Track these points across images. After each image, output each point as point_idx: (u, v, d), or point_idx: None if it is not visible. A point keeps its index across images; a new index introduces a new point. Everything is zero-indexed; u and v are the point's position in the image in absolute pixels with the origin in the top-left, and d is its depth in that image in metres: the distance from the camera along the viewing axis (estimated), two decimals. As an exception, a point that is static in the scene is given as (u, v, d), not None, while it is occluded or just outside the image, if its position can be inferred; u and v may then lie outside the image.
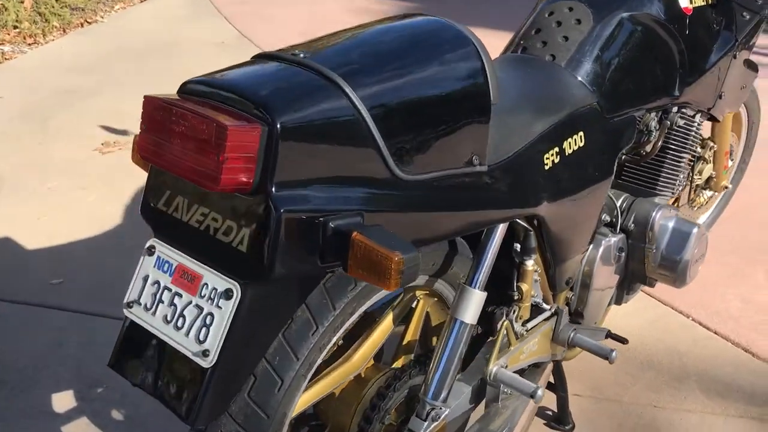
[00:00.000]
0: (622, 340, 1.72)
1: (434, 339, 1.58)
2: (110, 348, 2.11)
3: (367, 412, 1.33)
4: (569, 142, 1.46)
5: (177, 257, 1.06)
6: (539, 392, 1.36)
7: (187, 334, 1.02)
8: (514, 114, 1.32)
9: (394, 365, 1.49)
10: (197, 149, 0.94)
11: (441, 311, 1.54)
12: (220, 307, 1.00)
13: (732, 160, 2.50)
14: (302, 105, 0.98)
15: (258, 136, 0.94)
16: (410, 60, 1.13)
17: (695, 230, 1.81)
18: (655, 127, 1.73)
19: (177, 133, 0.96)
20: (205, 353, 1.00)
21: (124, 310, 1.10)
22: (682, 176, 1.96)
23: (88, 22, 5.49)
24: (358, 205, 1.03)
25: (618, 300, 1.94)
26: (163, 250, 1.08)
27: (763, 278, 2.63)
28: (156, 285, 1.07)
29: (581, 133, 1.49)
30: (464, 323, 1.33)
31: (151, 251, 1.09)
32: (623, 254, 1.79)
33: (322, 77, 1.03)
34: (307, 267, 1.00)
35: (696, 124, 1.89)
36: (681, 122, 1.81)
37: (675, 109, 1.77)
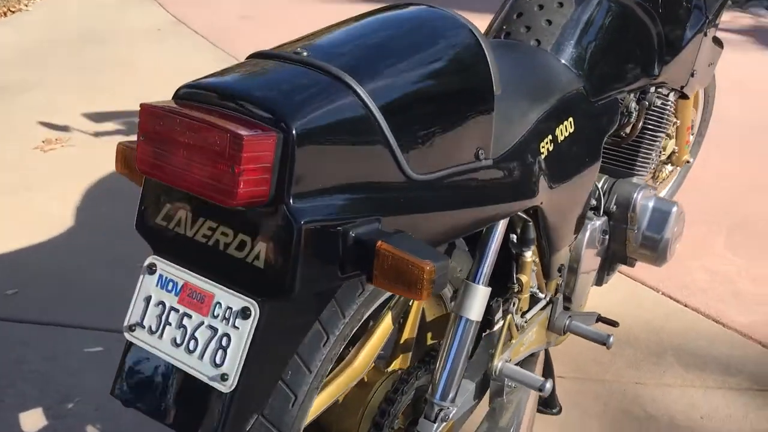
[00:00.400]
0: (613, 323, 1.73)
1: (429, 335, 1.55)
2: (77, 359, 2.03)
3: (376, 419, 1.29)
4: (560, 129, 1.44)
5: (183, 275, 0.99)
6: (547, 385, 1.34)
7: (201, 357, 0.96)
8: (511, 104, 1.28)
9: (393, 366, 1.45)
10: (208, 162, 0.87)
11: (436, 306, 1.51)
12: (236, 328, 0.94)
13: (693, 134, 2.54)
14: (315, 108, 0.92)
15: (273, 145, 0.88)
16: (414, 54, 1.08)
17: (675, 209, 1.82)
18: (634, 108, 1.72)
19: (183, 144, 0.89)
20: (223, 377, 0.94)
21: (126, 334, 1.02)
22: (655, 154, 1.97)
23: (11, 11, 5.21)
24: (375, 210, 0.98)
25: (599, 281, 1.94)
26: (166, 268, 1.00)
27: (723, 249, 2.69)
28: (161, 306, 1.00)
29: (571, 119, 1.47)
30: (470, 320, 1.30)
31: (151, 269, 1.01)
32: (607, 236, 1.79)
33: (330, 77, 0.97)
34: (327, 280, 0.95)
35: (670, 103, 1.90)
36: (658, 102, 1.81)
37: (653, 89, 1.77)
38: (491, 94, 1.17)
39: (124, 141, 1.14)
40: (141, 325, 1.01)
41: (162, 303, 1.00)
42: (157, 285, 1.01)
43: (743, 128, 3.63)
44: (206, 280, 0.98)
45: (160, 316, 1.00)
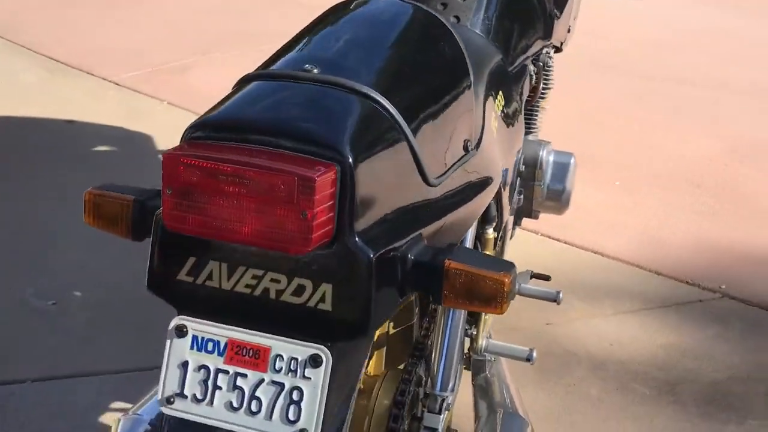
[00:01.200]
0: (545, 278, 1.81)
1: (391, 325, 1.53)
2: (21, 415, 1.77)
3: (390, 425, 1.26)
4: (497, 105, 1.46)
5: (224, 332, 0.89)
6: (534, 353, 1.39)
7: (269, 416, 0.88)
8: (475, 88, 1.28)
9: (371, 366, 1.42)
10: (270, 210, 0.79)
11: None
12: (308, 378, 0.87)
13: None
14: (359, 132, 0.86)
15: (335, 179, 0.81)
16: (413, 58, 1.05)
17: (572, 160, 1.94)
18: (534, 71, 1.79)
19: (232, 194, 0.79)
20: (302, 433, 0.87)
21: (164, 409, 0.90)
22: (542, 110, 2.07)
23: None
24: (416, 227, 0.95)
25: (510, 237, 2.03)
26: (200, 327, 0.90)
27: (578, 183, 2.90)
28: (203, 370, 0.89)
29: (501, 92, 1.49)
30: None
31: (181, 332, 0.90)
32: (521, 196, 1.86)
33: (356, 95, 0.90)
34: (392, 309, 0.91)
35: (553, 60, 1.99)
36: (549, 61, 1.89)
37: (545, 50, 1.84)
38: (470, 84, 1.16)
39: (93, 189, 1.00)
40: (182, 395, 0.90)
41: (204, 367, 0.90)
42: (192, 348, 0.90)
43: (572, 66, 3.90)
44: (255, 333, 0.89)
45: (205, 381, 0.89)
